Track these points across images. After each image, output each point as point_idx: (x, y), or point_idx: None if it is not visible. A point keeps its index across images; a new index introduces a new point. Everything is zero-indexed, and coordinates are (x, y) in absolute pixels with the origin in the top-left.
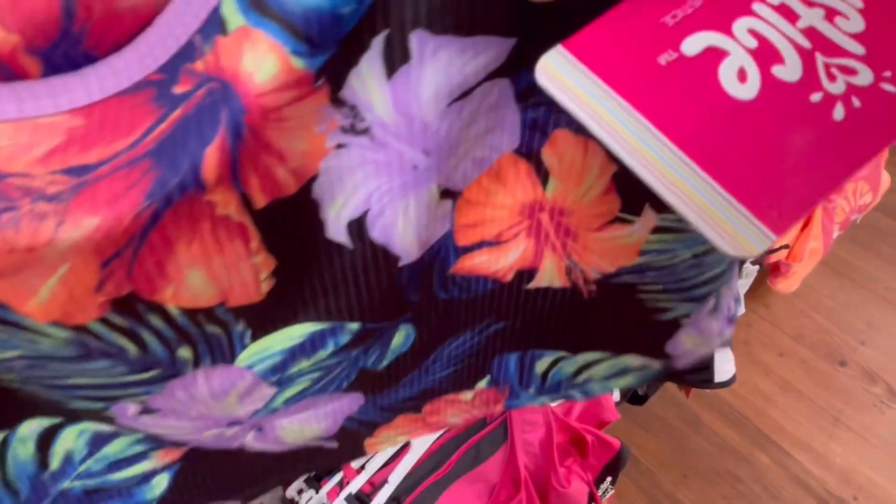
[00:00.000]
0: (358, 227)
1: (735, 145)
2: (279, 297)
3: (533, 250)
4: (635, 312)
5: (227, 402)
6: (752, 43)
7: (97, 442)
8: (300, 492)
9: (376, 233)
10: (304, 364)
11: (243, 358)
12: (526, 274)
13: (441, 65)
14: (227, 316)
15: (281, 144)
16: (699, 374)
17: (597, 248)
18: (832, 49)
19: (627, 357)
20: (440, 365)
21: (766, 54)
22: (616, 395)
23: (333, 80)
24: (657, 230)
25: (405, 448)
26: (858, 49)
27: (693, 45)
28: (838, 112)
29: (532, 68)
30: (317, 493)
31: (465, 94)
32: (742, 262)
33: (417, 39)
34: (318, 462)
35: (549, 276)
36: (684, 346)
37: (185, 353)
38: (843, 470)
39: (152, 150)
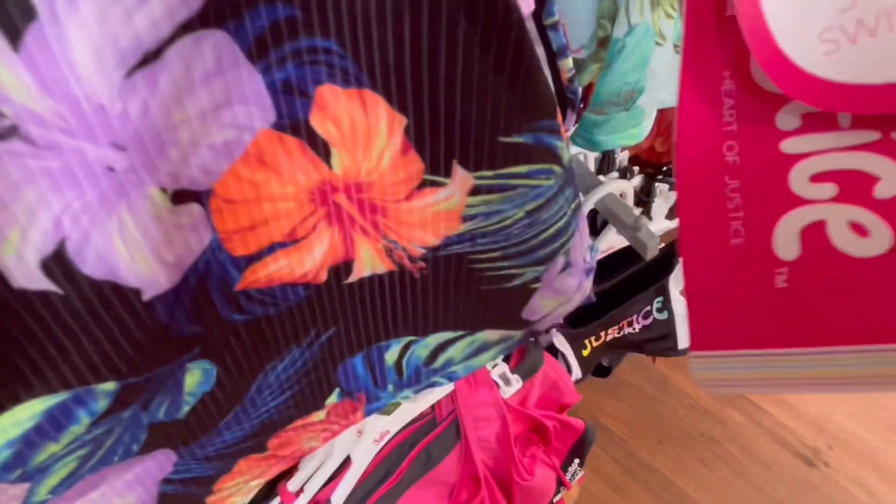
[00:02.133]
0: (59, 263)
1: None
2: None
3: (340, 240)
4: (478, 284)
5: None
6: (830, 190)
7: None
8: None
9: (90, 266)
10: (53, 448)
11: None
12: (342, 268)
13: (88, 18)
14: None
15: None
16: (662, 343)
17: (413, 219)
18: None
19: (483, 333)
20: (270, 393)
21: (854, 186)
22: (578, 373)
23: None
24: (476, 191)
25: (346, 463)
26: None
27: (786, 243)
28: None
29: (256, 9)
30: None
31: (149, 59)
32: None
33: None
34: None
35: (369, 262)
36: (543, 310)
37: None
38: (817, 420)
39: None
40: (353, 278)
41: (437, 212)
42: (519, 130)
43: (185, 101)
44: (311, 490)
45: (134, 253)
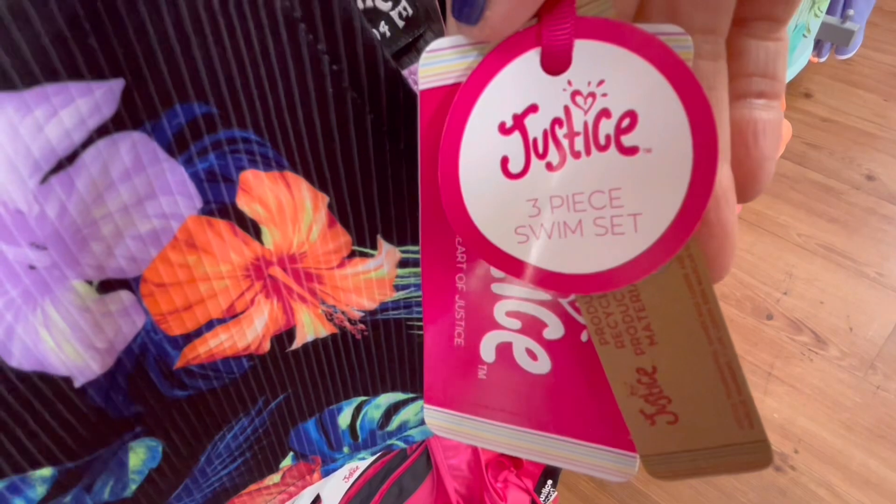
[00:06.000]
0: None
1: (566, 407)
2: None
3: (281, 310)
4: (420, 348)
5: None
6: (517, 324)
7: None
8: None
9: (17, 359)
10: None
11: None
12: (284, 336)
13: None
14: None
15: None
16: None
17: (347, 285)
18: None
19: None
20: (221, 462)
21: (531, 326)
22: None
23: None
24: (405, 264)
25: (316, 503)
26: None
27: (487, 351)
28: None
29: (172, 108)
30: None
31: (63, 164)
32: None
33: None
34: None
35: (311, 328)
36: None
37: None
38: (781, 424)
39: None
40: (296, 345)
41: (368, 279)
42: None
43: (105, 198)
44: None
45: (61, 343)
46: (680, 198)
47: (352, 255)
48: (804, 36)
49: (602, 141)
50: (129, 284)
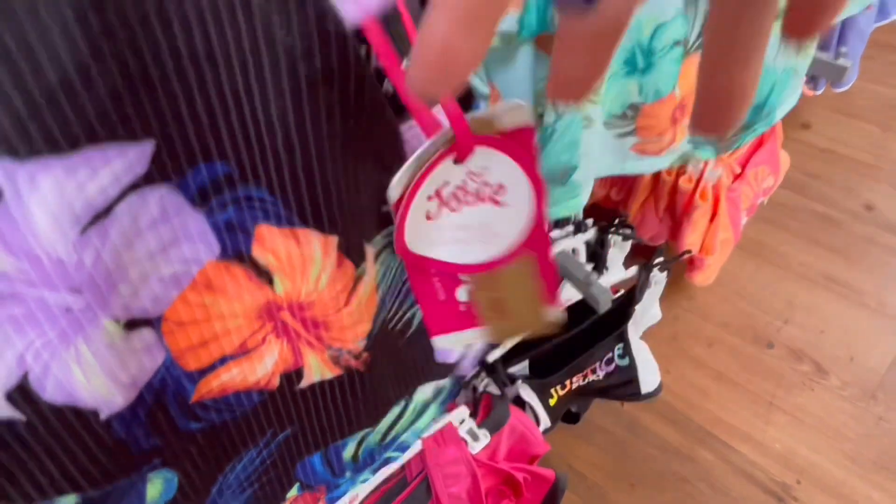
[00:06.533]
0: (22, 394)
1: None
2: None
3: (290, 350)
4: (404, 348)
5: None
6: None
7: None
8: None
9: (50, 394)
10: None
11: None
12: (293, 374)
13: (47, 192)
14: None
15: None
16: (625, 388)
17: (351, 321)
18: None
19: (418, 394)
20: (231, 493)
21: None
22: (546, 423)
23: None
24: (377, 255)
25: None
26: None
27: (461, 296)
28: None
29: (196, 167)
30: None
31: (100, 216)
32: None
33: (2, 171)
34: None
35: (318, 370)
36: (446, 348)
37: None
38: (783, 455)
39: None
40: (304, 384)
41: (362, 300)
42: None
43: (135, 245)
44: None
45: (91, 378)
46: (523, 226)
47: (355, 284)
48: (794, 74)
49: (485, 198)
50: (151, 323)
